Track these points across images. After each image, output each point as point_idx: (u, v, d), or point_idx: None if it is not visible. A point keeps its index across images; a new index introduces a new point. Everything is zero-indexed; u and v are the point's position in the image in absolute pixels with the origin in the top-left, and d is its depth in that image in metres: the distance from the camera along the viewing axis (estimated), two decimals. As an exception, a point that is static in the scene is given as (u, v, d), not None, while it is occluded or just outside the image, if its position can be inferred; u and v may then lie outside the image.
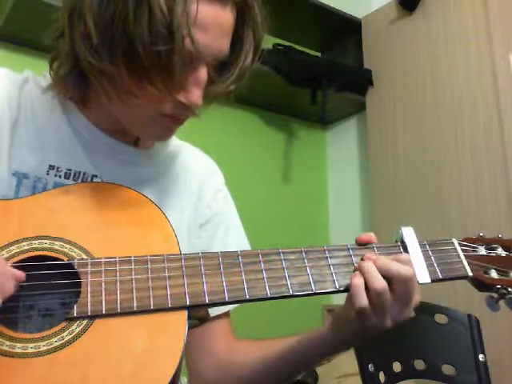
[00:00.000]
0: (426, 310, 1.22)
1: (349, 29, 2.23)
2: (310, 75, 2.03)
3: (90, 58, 0.63)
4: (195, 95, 0.66)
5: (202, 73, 0.66)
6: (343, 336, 0.69)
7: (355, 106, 2.25)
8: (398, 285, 0.63)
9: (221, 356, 0.82)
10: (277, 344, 0.77)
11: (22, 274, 0.57)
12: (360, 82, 2.12)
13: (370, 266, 0.64)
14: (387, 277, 0.63)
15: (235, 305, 0.84)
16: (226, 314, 0.86)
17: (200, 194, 0.86)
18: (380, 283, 0.62)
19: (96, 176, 0.75)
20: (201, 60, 0.65)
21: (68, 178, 0.74)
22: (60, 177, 0.73)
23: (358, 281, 0.63)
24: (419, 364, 1.19)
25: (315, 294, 0.65)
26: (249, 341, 0.84)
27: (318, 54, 2.36)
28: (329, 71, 2.07)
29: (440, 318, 1.19)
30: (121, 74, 0.64)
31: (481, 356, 1.13)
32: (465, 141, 1.76)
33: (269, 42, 2.05)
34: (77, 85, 0.71)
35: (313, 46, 2.34)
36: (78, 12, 0.63)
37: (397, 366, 1.21)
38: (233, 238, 0.87)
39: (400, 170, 1.96)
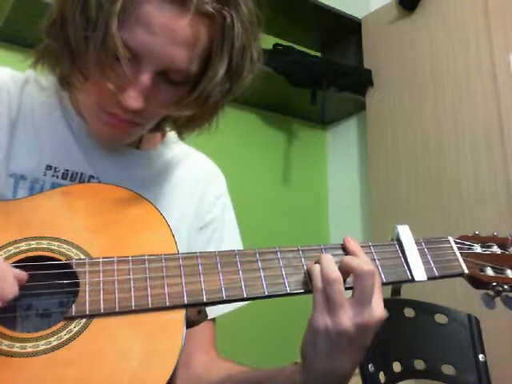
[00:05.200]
0: (426, 309, 1.22)
1: (349, 29, 2.24)
2: (310, 75, 2.03)
3: (45, 36, 0.65)
4: (130, 96, 0.64)
5: (143, 76, 0.64)
6: (310, 368, 0.64)
7: (355, 106, 2.25)
8: (358, 280, 0.60)
9: (194, 369, 0.80)
10: (247, 374, 0.74)
11: (24, 275, 0.56)
12: (360, 81, 2.12)
13: (327, 257, 0.62)
14: (347, 271, 0.61)
15: (222, 312, 0.83)
16: (211, 322, 0.85)
17: (202, 198, 0.86)
18: (333, 272, 0.60)
19: (93, 177, 0.75)
20: (142, 62, 0.64)
21: (65, 179, 0.74)
22: (57, 177, 0.73)
23: (313, 265, 0.62)
24: (419, 364, 1.19)
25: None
26: (226, 363, 0.81)
27: (318, 54, 2.36)
28: (329, 71, 2.07)
29: (440, 318, 1.19)
30: (65, 59, 0.64)
31: (481, 356, 1.13)
32: (465, 141, 1.76)
33: (269, 42, 2.05)
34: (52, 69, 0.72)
35: (313, 46, 2.34)
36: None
37: (397, 366, 1.21)
38: (226, 244, 0.87)
39: (400, 170, 1.95)
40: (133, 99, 0.64)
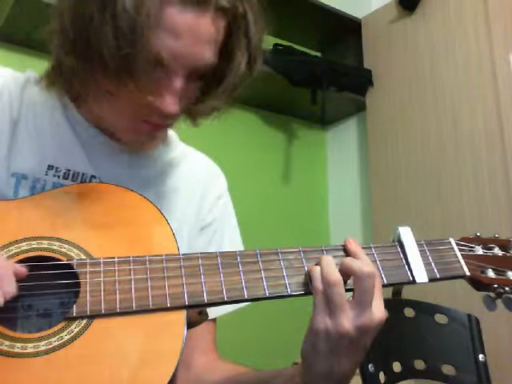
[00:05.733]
0: (426, 309, 1.22)
1: (349, 29, 2.23)
2: (310, 75, 2.03)
3: (64, 57, 0.63)
4: (168, 103, 0.65)
5: (176, 81, 0.65)
6: (311, 369, 0.64)
7: (355, 106, 2.25)
8: (358, 282, 0.60)
9: (194, 370, 0.80)
10: (248, 375, 0.74)
11: (23, 270, 0.56)
12: (360, 82, 2.12)
13: (328, 259, 0.62)
14: (347, 273, 0.61)
15: (222, 313, 0.83)
16: (212, 323, 0.85)
17: (203, 199, 0.86)
18: (333, 274, 0.60)
19: (95, 177, 0.75)
20: (174, 67, 0.64)
21: (67, 179, 0.74)
22: (59, 177, 0.73)
23: (313, 267, 0.62)
24: (419, 364, 1.19)
25: None
26: (227, 364, 0.81)
27: (318, 54, 2.36)
28: (329, 71, 2.07)
29: (440, 318, 1.19)
30: (96, 75, 0.64)
31: (481, 356, 1.13)
32: (465, 141, 1.76)
33: (269, 42, 2.05)
34: (69, 87, 0.71)
35: (313, 46, 2.34)
36: (61, 12, 0.63)
37: (397, 366, 1.21)
38: (227, 245, 0.87)
39: (400, 170, 1.95)
40: (172, 105, 0.65)
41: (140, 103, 0.66)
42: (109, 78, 0.63)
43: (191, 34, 0.62)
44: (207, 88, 0.70)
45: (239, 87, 0.70)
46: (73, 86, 0.70)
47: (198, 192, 0.86)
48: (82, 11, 0.60)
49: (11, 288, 0.54)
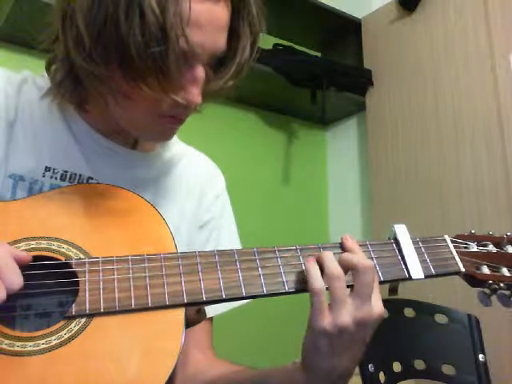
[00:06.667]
0: (426, 309, 1.22)
1: (349, 29, 2.24)
2: (310, 75, 2.03)
3: (83, 63, 0.62)
4: (193, 94, 0.65)
5: (199, 71, 0.65)
6: (310, 364, 0.64)
7: (355, 106, 2.25)
8: (358, 276, 0.60)
9: (190, 369, 0.80)
10: (244, 373, 0.74)
11: (27, 257, 0.56)
12: (360, 82, 2.13)
13: (329, 254, 0.62)
14: (346, 268, 0.61)
15: (219, 312, 0.83)
16: (208, 322, 0.85)
17: (201, 198, 0.86)
18: (336, 268, 0.60)
19: (92, 178, 0.75)
20: (197, 58, 0.64)
21: (64, 180, 0.74)
22: (56, 179, 0.73)
23: (311, 265, 0.62)
24: (419, 364, 1.19)
25: None
26: (223, 362, 0.81)
27: (318, 54, 2.36)
28: (329, 71, 2.07)
29: (440, 318, 1.19)
30: (115, 77, 0.63)
31: (481, 356, 1.13)
32: (465, 141, 1.76)
33: (269, 42, 2.05)
34: (74, 89, 0.70)
35: (313, 46, 2.34)
36: (70, 15, 0.62)
37: (397, 366, 1.21)
38: (225, 244, 0.87)
39: (400, 170, 1.96)
40: (196, 96, 0.66)
41: (163, 101, 0.66)
42: (131, 80, 0.62)
43: (211, 24, 0.63)
44: (216, 70, 0.70)
45: (245, 69, 0.70)
46: (84, 91, 0.69)
47: (197, 191, 0.86)
48: (102, 13, 0.59)
49: (18, 281, 0.53)
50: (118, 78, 0.63)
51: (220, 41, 0.66)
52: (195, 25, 0.62)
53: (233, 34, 0.68)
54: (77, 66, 0.64)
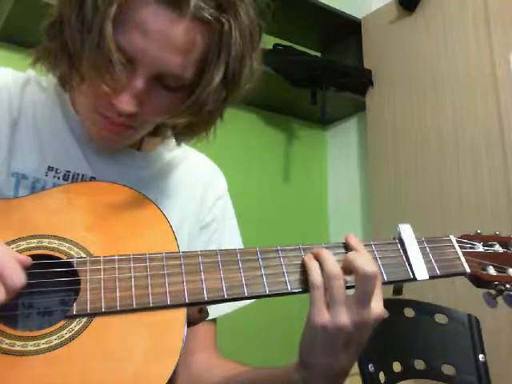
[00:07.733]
0: (426, 309, 1.22)
1: (349, 29, 2.24)
2: (310, 75, 2.03)
3: (44, 36, 0.65)
4: (122, 101, 0.64)
5: (136, 80, 0.64)
6: (308, 365, 0.64)
7: (355, 106, 2.25)
8: (360, 282, 0.60)
9: (194, 369, 0.80)
10: (247, 374, 0.74)
11: (27, 260, 0.56)
12: (360, 82, 2.13)
13: (327, 252, 0.62)
14: (349, 270, 0.61)
15: (223, 312, 0.83)
16: (212, 322, 0.85)
17: (202, 199, 0.86)
18: (334, 267, 0.60)
19: (94, 178, 0.75)
20: (137, 65, 0.63)
21: (67, 180, 0.74)
22: (59, 178, 0.73)
23: (311, 260, 0.62)
24: (419, 364, 1.19)
25: None
26: (227, 362, 0.81)
27: (318, 54, 2.36)
28: (329, 71, 2.07)
29: (440, 318, 1.19)
30: (60, 54, 0.65)
31: (481, 356, 1.13)
32: (465, 141, 1.76)
33: (269, 42, 2.05)
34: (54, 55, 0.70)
35: (313, 46, 2.34)
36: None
37: (397, 366, 1.21)
38: (227, 244, 0.86)
39: (400, 170, 1.96)
40: (125, 103, 0.64)
41: (98, 94, 0.66)
42: (73, 63, 0.64)
43: (160, 38, 0.61)
44: (173, 95, 0.68)
45: (209, 105, 0.66)
46: (53, 69, 0.71)
47: (198, 192, 0.86)
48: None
49: (19, 280, 0.53)
50: (62, 57, 0.65)
51: (170, 60, 0.63)
52: (139, 29, 0.61)
53: (203, 65, 0.65)
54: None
